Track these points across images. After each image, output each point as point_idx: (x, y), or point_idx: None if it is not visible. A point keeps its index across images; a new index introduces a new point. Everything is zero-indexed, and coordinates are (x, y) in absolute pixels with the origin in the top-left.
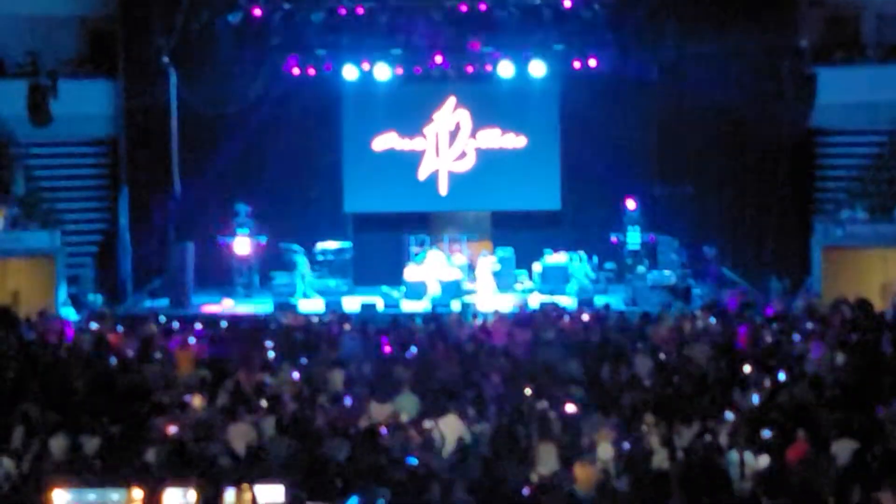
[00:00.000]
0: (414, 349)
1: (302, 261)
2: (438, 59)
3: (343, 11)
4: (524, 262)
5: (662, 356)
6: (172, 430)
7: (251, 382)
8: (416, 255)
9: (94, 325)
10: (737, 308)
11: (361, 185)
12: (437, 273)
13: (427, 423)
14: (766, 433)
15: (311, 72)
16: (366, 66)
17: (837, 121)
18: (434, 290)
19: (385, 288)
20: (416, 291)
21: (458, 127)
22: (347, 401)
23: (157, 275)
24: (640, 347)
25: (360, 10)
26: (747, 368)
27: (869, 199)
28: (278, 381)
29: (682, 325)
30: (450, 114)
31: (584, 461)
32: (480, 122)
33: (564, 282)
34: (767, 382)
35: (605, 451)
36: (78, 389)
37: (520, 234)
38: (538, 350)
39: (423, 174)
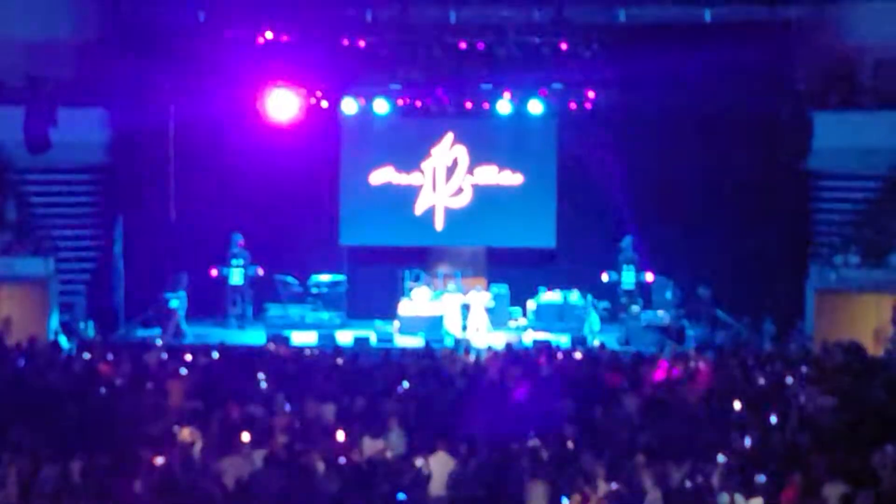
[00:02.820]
0: (406, 384)
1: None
2: (437, 94)
3: (345, 44)
4: (518, 299)
5: (656, 396)
6: (160, 461)
7: (242, 414)
8: (408, 290)
9: (84, 354)
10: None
11: (357, 218)
12: (423, 309)
13: (417, 460)
14: (761, 478)
15: (310, 104)
16: (364, 101)
17: (833, 165)
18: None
19: (378, 322)
20: (410, 326)
21: (455, 163)
22: (339, 435)
23: (150, 304)
24: (630, 387)
25: (361, 44)
26: (738, 406)
27: (863, 244)
28: (269, 414)
29: (676, 365)
30: (447, 150)
31: (577, 500)
32: (478, 158)
33: (559, 319)
34: (759, 424)
35: (597, 490)
36: (68, 418)
37: (515, 270)
38: (531, 387)
39: (419, 209)
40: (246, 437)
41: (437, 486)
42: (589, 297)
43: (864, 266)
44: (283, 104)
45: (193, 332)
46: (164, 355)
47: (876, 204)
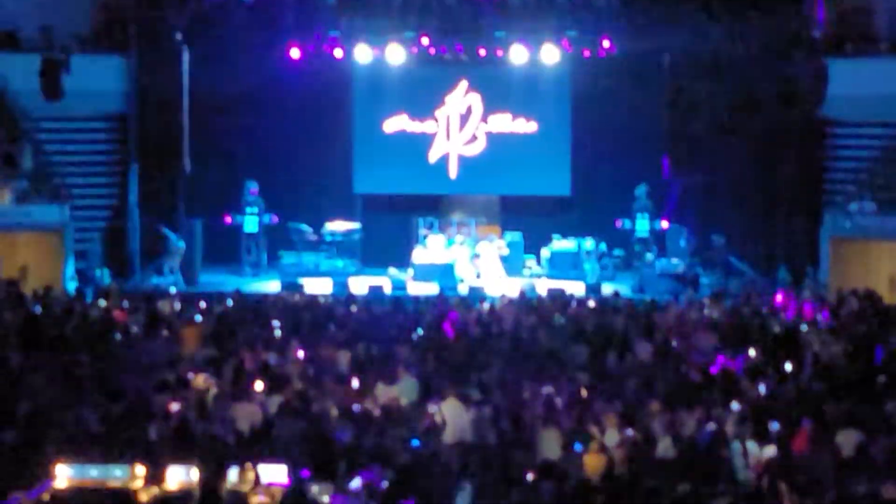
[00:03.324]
0: (420, 332)
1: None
2: (451, 42)
3: None
4: (533, 247)
5: (669, 343)
6: (175, 407)
7: (256, 361)
8: (422, 238)
9: (100, 301)
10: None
11: (371, 166)
12: (437, 256)
13: (430, 407)
14: (774, 425)
15: (324, 52)
16: (378, 49)
17: (848, 113)
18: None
19: (393, 269)
20: (425, 274)
21: (469, 111)
22: (353, 382)
23: (165, 251)
24: (644, 334)
25: None
26: (752, 353)
27: (878, 192)
28: (284, 361)
29: (690, 313)
30: (461, 97)
31: (592, 448)
32: (492, 106)
33: (573, 267)
34: (774, 373)
35: (611, 437)
36: (83, 365)
37: (529, 218)
38: (544, 335)
39: (433, 157)
40: (259, 385)
41: (450, 434)
42: (592, 244)
43: (879, 213)
44: None
45: (208, 280)
46: (179, 303)
47: (891, 151)
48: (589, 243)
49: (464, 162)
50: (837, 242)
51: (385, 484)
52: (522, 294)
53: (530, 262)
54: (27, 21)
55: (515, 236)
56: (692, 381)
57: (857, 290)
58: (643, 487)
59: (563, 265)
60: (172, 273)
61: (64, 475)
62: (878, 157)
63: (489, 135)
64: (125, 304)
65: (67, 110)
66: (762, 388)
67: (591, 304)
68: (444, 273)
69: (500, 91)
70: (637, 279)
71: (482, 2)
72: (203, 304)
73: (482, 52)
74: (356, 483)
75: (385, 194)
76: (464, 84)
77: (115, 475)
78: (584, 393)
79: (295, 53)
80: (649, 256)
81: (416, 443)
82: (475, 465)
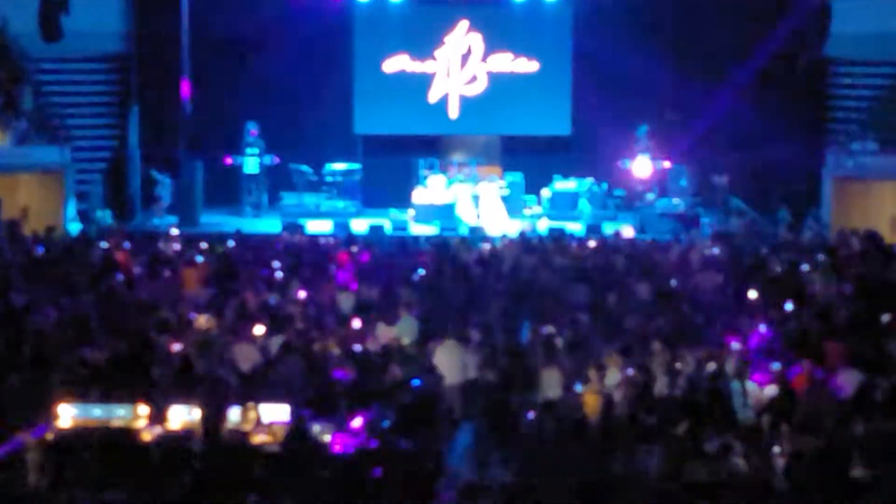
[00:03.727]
0: (421, 272)
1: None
2: None
3: None
4: (533, 187)
5: (670, 283)
6: (177, 347)
7: (257, 302)
8: (423, 178)
9: (102, 242)
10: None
11: (372, 107)
12: (438, 197)
13: (431, 347)
14: (776, 365)
15: None
16: None
17: (851, 51)
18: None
19: (393, 210)
20: (425, 214)
21: (469, 50)
22: (355, 323)
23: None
24: (644, 274)
25: None
26: (753, 294)
27: (881, 131)
28: (285, 301)
29: (690, 253)
30: (462, 37)
31: (592, 388)
32: (492, 46)
33: (573, 208)
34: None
35: (611, 377)
36: (86, 305)
37: (529, 158)
38: (544, 275)
39: (433, 97)
40: (260, 328)
41: (450, 374)
42: (587, 183)
43: (881, 153)
44: None
45: (209, 220)
46: (179, 244)
47: (894, 90)
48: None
49: (464, 102)
50: (839, 182)
51: (386, 423)
52: (523, 234)
53: (531, 202)
54: None
55: (516, 177)
56: (693, 321)
57: (859, 230)
58: (642, 426)
59: (564, 205)
60: (165, 213)
61: (67, 415)
62: (880, 97)
63: (490, 74)
64: (126, 244)
65: (67, 51)
66: (762, 328)
67: (592, 244)
68: (445, 213)
69: (500, 30)
70: (638, 219)
71: None
72: (204, 245)
73: None
74: (357, 422)
75: (385, 135)
76: (464, 24)
77: (118, 414)
78: (584, 332)
79: None
80: (650, 196)
81: (417, 382)
82: (476, 405)
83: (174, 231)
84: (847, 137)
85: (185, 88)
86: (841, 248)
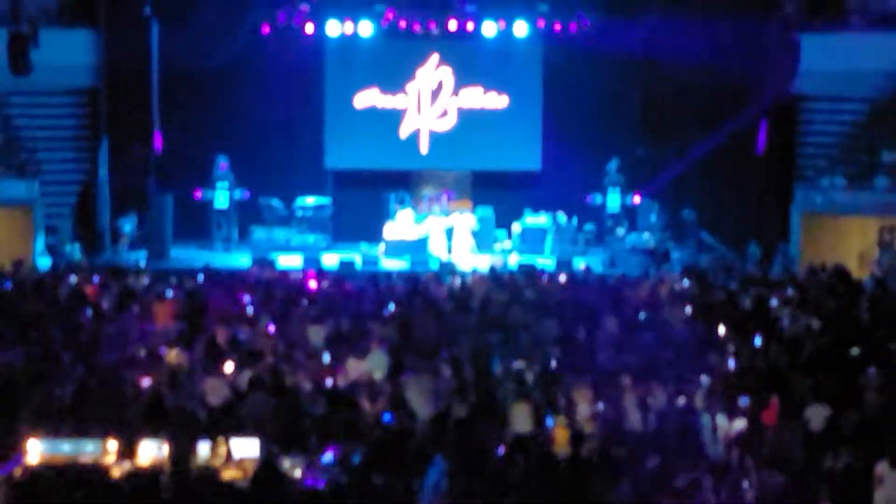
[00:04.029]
0: (392, 306)
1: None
2: (422, 16)
3: None
4: (504, 222)
5: (640, 318)
6: (146, 382)
7: (227, 336)
8: (393, 213)
9: (71, 277)
10: None
11: (342, 141)
12: (408, 232)
13: (402, 382)
14: (744, 400)
15: (295, 26)
16: (349, 22)
17: (820, 87)
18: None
19: (364, 245)
20: (396, 249)
21: (440, 85)
22: (325, 357)
23: (135, 227)
24: (614, 309)
25: None
26: (722, 329)
27: (849, 167)
28: (255, 336)
29: (660, 288)
30: (432, 71)
31: (561, 422)
32: (463, 80)
33: (543, 242)
34: (744, 347)
35: (581, 411)
36: (54, 340)
37: (500, 193)
38: (515, 310)
39: (404, 132)
40: (230, 365)
41: (422, 408)
42: (556, 218)
43: (850, 189)
44: None
45: (179, 255)
46: (147, 279)
47: (862, 127)
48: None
49: (435, 137)
50: (808, 217)
51: (357, 458)
52: (493, 269)
53: (502, 237)
54: None
55: (487, 211)
56: (663, 356)
57: (827, 265)
58: (612, 461)
59: (534, 240)
60: (130, 249)
61: (36, 450)
62: (848, 133)
63: (460, 110)
64: (96, 279)
65: (36, 85)
66: (731, 363)
67: (562, 279)
68: (416, 248)
69: (471, 65)
70: (608, 254)
71: None
72: (174, 280)
73: (453, 25)
74: (328, 457)
75: (356, 169)
76: (435, 58)
77: (87, 450)
78: (554, 367)
79: (266, 29)
80: (620, 231)
81: (387, 417)
82: (447, 440)
83: (143, 265)
84: (816, 173)
85: (158, 140)
86: (810, 284)
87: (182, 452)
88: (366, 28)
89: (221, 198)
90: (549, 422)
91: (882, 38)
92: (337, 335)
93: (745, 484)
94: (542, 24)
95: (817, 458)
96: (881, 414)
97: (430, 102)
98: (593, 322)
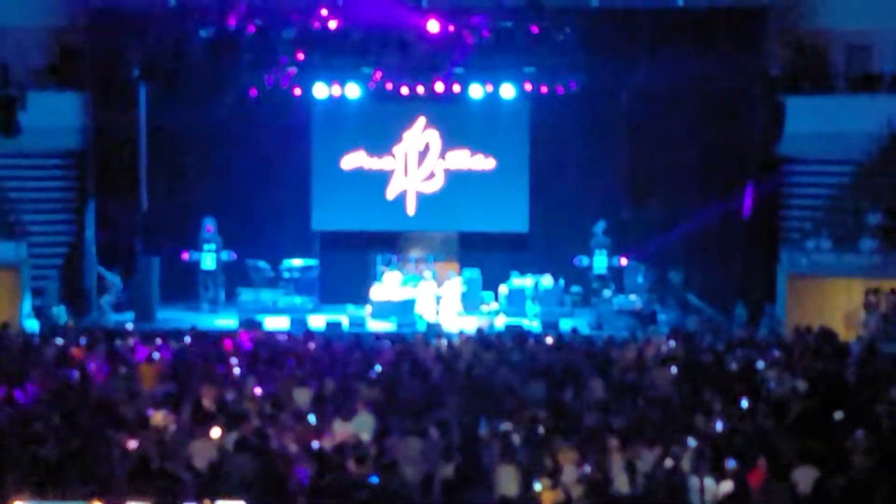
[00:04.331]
0: (378, 368)
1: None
2: (409, 79)
3: (316, 26)
4: (491, 283)
5: (627, 379)
6: (133, 444)
7: (214, 398)
8: (380, 274)
9: (57, 339)
10: None
11: (329, 203)
12: (395, 293)
13: (389, 444)
14: (731, 462)
15: (282, 89)
16: (336, 85)
17: (805, 149)
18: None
19: (351, 307)
20: (383, 311)
21: (427, 147)
22: (311, 419)
23: (122, 288)
24: (598, 371)
25: (333, 27)
26: (709, 391)
27: (834, 229)
28: (241, 398)
29: (647, 349)
30: (419, 134)
31: (548, 484)
32: (450, 142)
33: (531, 304)
34: (731, 409)
35: (568, 474)
36: (42, 402)
37: (487, 255)
38: (502, 372)
39: (391, 194)
40: (217, 431)
41: (408, 471)
42: (538, 282)
43: (835, 251)
44: None
45: (166, 316)
46: (134, 340)
47: (847, 189)
48: (547, 280)
49: (422, 198)
50: (794, 279)
51: None
52: (480, 331)
53: (488, 299)
54: None
55: (473, 273)
56: (650, 418)
57: (813, 328)
58: None
59: (521, 302)
60: (116, 310)
61: None
62: (833, 195)
63: (447, 171)
64: (82, 341)
65: (24, 147)
66: (719, 425)
67: (549, 340)
68: (402, 310)
69: (458, 127)
70: (595, 316)
71: (440, 38)
72: (160, 341)
73: (440, 88)
74: None
75: (343, 231)
76: (422, 120)
77: None
78: (541, 429)
79: (253, 91)
80: (607, 293)
81: (374, 479)
82: (434, 502)
83: (130, 327)
84: (801, 235)
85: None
86: (796, 345)
87: None
88: (353, 90)
89: (208, 259)
90: (536, 484)
91: (865, 100)
92: (323, 397)
93: None
94: (528, 86)
95: None
96: (869, 477)
97: (417, 164)
98: (580, 384)
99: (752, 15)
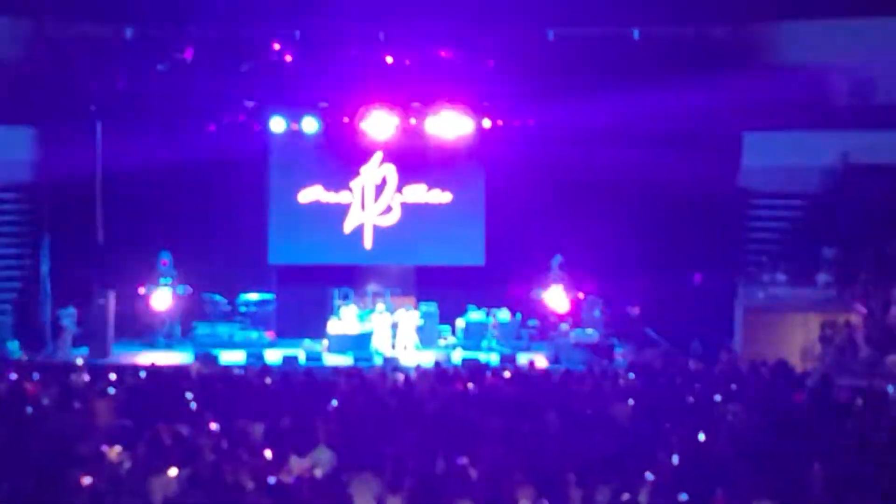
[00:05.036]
0: (335, 402)
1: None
2: (365, 113)
3: (272, 59)
4: (448, 317)
5: (584, 413)
6: (87, 480)
7: (170, 434)
8: (337, 308)
9: (11, 374)
10: None
11: (286, 237)
12: (352, 327)
13: (344, 479)
14: (684, 496)
15: (239, 123)
16: (293, 119)
17: (762, 183)
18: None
19: (307, 341)
20: (339, 345)
21: (384, 181)
22: (267, 454)
23: (77, 323)
24: (556, 404)
25: (288, 58)
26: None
27: (791, 263)
28: (197, 433)
29: (604, 383)
30: (376, 168)
31: None
32: (407, 177)
33: (485, 338)
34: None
35: None
36: None
37: (444, 289)
38: (459, 406)
39: (348, 227)
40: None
41: None
42: (496, 315)
43: (791, 285)
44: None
45: (121, 351)
46: (88, 376)
47: (804, 223)
48: (504, 314)
49: (379, 232)
50: (751, 313)
51: None
52: (437, 365)
53: (445, 332)
54: None
55: (431, 307)
56: (607, 452)
57: (769, 361)
58: None
59: (478, 336)
60: (69, 347)
61: None
62: (790, 229)
63: (404, 205)
64: (36, 376)
65: None
66: (676, 459)
67: (507, 374)
68: (359, 344)
69: (414, 162)
70: (552, 349)
71: (396, 71)
72: (115, 377)
73: (397, 123)
74: None
75: (300, 265)
76: (379, 155)
77: None
78: (498, 464)
79: (210, 126)
80: (564, 327)
81: None
82: None
83: (85, 362)
84: (758, 269)
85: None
86: (752, 379)
87: None
88: (309, 125)
89: (164, 294)
90: None
91: (821, 135)
92: (280, 431)
93: None
94: (486, 121)
95: None
96: None
97: (374, 198)
98: (537, 418)
99: (710, 49)
